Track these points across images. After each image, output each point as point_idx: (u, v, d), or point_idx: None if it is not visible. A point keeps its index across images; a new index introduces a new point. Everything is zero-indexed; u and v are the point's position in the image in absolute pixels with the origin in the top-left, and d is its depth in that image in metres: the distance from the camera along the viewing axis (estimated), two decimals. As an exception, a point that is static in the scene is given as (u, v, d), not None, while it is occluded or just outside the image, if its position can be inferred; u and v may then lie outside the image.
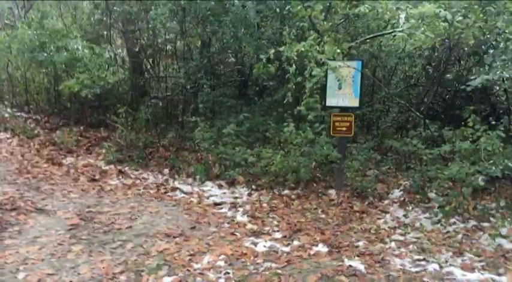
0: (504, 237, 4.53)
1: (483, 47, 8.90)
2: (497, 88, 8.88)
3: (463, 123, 6.38)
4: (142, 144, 8.98)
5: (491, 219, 5.05)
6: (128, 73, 11.15)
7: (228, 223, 5.22)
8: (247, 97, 9.46)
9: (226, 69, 10.97)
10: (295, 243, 4.57)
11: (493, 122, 6.29)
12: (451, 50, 7.61)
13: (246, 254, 4.28)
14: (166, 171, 7.87)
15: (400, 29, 5.16)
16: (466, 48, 8.46)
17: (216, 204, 6.00)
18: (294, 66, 5.75)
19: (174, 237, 4.70)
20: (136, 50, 9.93)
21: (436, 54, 9.16)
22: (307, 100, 5.82)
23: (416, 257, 4.17)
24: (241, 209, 5.77)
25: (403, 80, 9.98)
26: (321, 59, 5.64)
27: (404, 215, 5.47)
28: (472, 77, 9.35)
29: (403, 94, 8.85)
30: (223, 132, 7.21)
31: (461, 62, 8.94)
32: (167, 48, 10.82)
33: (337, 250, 4.36)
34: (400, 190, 6.31)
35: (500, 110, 8.65)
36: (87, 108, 11.70)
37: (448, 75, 8.85)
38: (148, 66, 10.93)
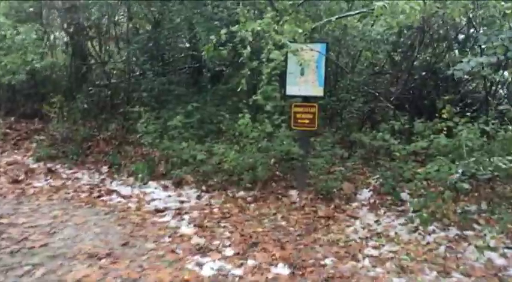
0: (493, 249, 3.88)
1: (453, 32, 8.38)
2: (467, 76, 8.37)
3: (436, 115, 5.76)
4: (80, 138, 7.91)
5: (475, 226, 4.41)
6: (69, 57, 9.98)
7: (170, 236, 4.33)
8: (200, 85, 8.53)
9: (178, 55, 9.97)
10: (250, 262, 3.75)
11: (468, 113, 5.69)
12: (424, 32, 6.95)
13: (187, 280, 3.43)
14: (105, 169, 6.88)
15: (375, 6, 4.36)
16: (433, 33, 7.88)
17: (158, 211, 5.08)
18: (248, 48, 4.88)
19: (100, 258, 3.78)
20: (71, 30, 8.73)
21: (402, 39, 8.54)
22: (265, 88, 4.98)
23: (396, 279, 3.44)
24: (187, 217, 4.89)
25: (367, 67, 9.35)
26: (280, 40, 4.80)
27: (376, 222, 4.75)
28: (441, 64, 8.90)
29: (368, 82, 8.18)
30: (169, 124, 6.26)
31: (430, 47, 8.35)
32: (114, 30, 9.68)
33: (300, 272, 3.57)
34: (369, 190, 5.61)
35: (474, 100, 8.13)
36: (20, 96, 10.43)
37: (415, 63, 8.24)
38: (92, 50, 9.78)
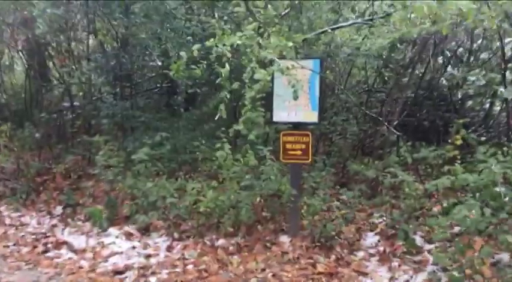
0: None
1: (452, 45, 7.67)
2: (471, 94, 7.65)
3: (444, 140, 4.96)
4: (32, 172, 6.81)
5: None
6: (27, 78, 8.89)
7: (129, 314, 3.31)
8: (171, 109, 7.55)
9: (149, 74, 8.98)
10: None
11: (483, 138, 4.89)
12: (424, 46, 6.16)
13: None
14: (58, 210, 5.82)
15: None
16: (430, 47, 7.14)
17: (116, 272, 4.04)
18: (227, 67, 3.96)
19: None
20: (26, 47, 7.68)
21: (392, 54, 7.76)
22: (248, 115, 4.04)
23: None
24: (153, 280, 3.87)
25: (356, 86, 8.56)
26: (266, 57, 3.89)
27: (391, 279, 3.82)
28: (439, 81, 8.16)
29: (361, 103, 7.35)
30: (133, 158, 5.25)
31: (424, 63, 7.60)
32: (76, 48, 8.64)
33: None
34: (375, 233, 4.69)
35: (472, 119, 7.38)
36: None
37: (405, 79, 7.45)
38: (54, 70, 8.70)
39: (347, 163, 5.86)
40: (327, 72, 7.44)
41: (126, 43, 7.48)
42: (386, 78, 8.18)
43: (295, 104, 4.52)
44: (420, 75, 7.74)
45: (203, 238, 4.74)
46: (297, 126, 4.65)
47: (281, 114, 4.63)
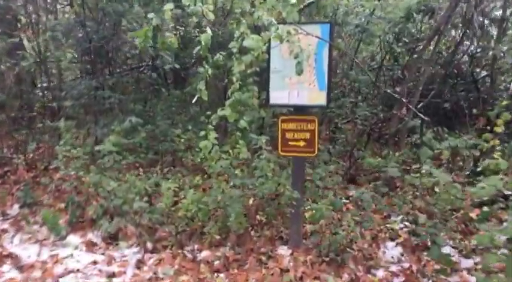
0: None
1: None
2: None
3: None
4: (-9, 162, 5.86)
5: None
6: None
7: None
8: (153, 89, 6.52)
9: (133, 51, 7.91)
10: None
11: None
12: (449, 16, 5.17)
13: None
14: (15, 209, 4.87)
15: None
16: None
17: (65, 301, 3.13)
18: (209, 31, 2.98)
19: None
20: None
21: (408, 25, 6.74)
22: (236, 97, 3.07)
23: None
24: (113, 313, 2.96)
25: (363, 62, 7.57)
26: (259, 18, 2.92)
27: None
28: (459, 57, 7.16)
29: (372, 83, 6.37)
30: (98, 150, 4.28)
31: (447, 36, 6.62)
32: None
33: None
34: (397, 243, 3.79)
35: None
36: None
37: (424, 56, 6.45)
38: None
39: (358, 154, 4.91)
40: (339, 41, 6.44)
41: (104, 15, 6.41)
42: (396, 54, 7.22)
43: (298, 82, 3.56)
44: (440, 50, 6.80)
45: (182, 249, 3.83)
46: (300, 109, 3.70)
47: (280, 94, 3.66)
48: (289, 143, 3.71)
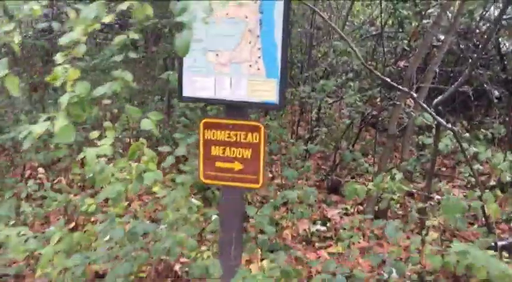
0: None
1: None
2: None
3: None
4: None
5: None
6: None
7: None
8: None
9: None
10: None
11: None
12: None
13: None
14: None
15: None
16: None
17: None
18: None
19: None
20: None
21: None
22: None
23: None
24: None
25: (359, 28, 6.00)
26: None
27: None
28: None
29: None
30: None
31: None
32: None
33: None
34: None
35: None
36: None
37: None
38: None
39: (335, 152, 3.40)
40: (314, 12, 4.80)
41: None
42: (399, 19, 5.59)
43: (231, 60, 2.01)
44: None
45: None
46: (234, 109, 2.14)
47: (201, 82, 2.09)
48: (217, 163, 2.19)
